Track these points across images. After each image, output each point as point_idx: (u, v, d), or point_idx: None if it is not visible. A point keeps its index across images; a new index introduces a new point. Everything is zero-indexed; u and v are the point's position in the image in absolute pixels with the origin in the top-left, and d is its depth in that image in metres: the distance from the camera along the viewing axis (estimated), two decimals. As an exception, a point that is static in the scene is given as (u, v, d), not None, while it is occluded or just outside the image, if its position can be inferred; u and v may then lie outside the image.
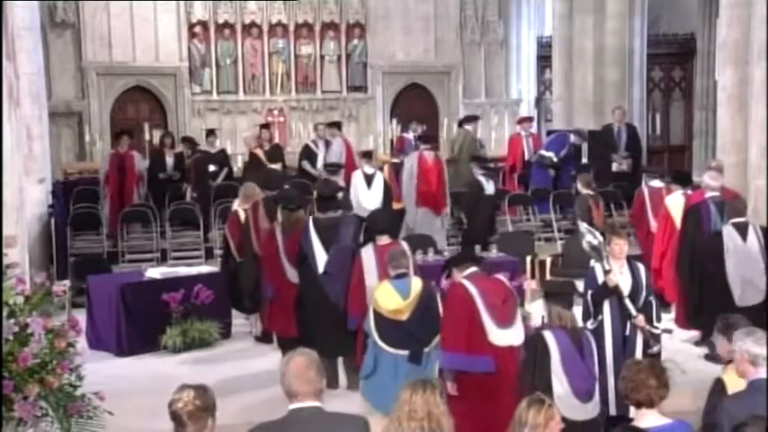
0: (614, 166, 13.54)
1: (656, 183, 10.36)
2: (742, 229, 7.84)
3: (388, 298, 6.54)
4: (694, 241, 8.30)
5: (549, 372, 5.34)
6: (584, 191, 10.74)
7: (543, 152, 13.76)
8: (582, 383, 5.37)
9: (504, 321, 6.04)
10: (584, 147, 14.08)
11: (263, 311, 8.61)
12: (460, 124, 14.76)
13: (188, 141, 13.90)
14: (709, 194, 8.51)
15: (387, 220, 7.93)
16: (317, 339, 7.53)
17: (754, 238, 7.82)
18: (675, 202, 9.09)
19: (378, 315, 6.57)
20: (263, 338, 8.96)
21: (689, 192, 9.15)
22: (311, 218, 8.04)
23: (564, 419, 4.90)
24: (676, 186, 9.42)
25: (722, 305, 7.62)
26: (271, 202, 9.00)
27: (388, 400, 6.42)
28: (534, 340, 5.58)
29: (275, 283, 8.08)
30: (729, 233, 7.84)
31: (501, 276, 6.49)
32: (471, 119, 14.51)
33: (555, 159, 13.55)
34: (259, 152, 13.33)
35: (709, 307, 7.88)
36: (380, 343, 6.55)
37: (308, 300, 7.74)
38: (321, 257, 7.63)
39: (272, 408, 4.33)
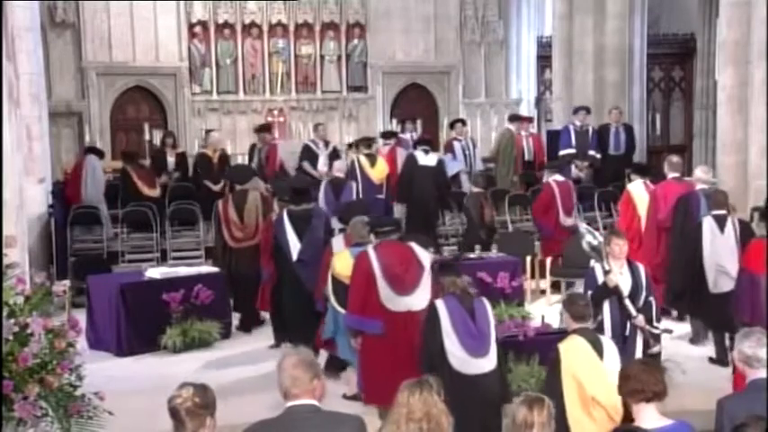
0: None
1: (559, 177, 11.39)
2: (721, 221, 8.11)
3: (346, 264, 6.95)
4: (683, 229, 8.67)
5: (442, 334, 5.77)
6: (475, 189, 11.36)
7: (562, 152, 13.64)
8: (471, 340, 5.78)
9: (404, 288, 6.57)
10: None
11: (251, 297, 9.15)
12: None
13: (126, 156, 13.27)
14: (699, 186, 8.87)
15: (359, 211, 8.14)
16: (291, 324, 8.10)
17: (730, 230, 8.08)
18: (637, 190, 9.72)
19: (336, 281, 7.04)
20: (242, 327, 9.52)
21: (648, 181, 9.72)
22: (285, 209, 8.52)
23: (459, 374, 5.63)
24: (636, 176, 10.08)
25: (698, 291, 8.16)
26: (239, 195, 9.62)
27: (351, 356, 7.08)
28: (429, 309, 6.04)
29: (269, 268, 8.60)
30: (710, 224, 8.13)
31: (413, 245, 6.87)
32: (515, 118, 14.59)
33: (572, 152, 13.52)
34: (209, 153, 13.01)
35: (688, 292, 8.49)
36: (338, 307, 7.00)
37: (284, 287, 8.24)
38: (295, 246, 8.22)
39: (271, 406, 4.33)
